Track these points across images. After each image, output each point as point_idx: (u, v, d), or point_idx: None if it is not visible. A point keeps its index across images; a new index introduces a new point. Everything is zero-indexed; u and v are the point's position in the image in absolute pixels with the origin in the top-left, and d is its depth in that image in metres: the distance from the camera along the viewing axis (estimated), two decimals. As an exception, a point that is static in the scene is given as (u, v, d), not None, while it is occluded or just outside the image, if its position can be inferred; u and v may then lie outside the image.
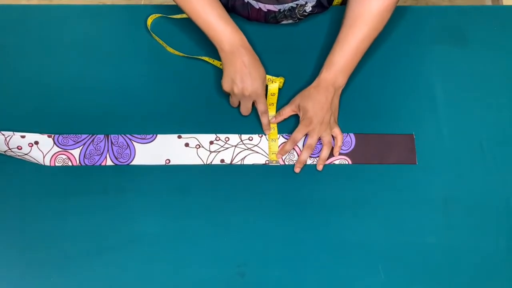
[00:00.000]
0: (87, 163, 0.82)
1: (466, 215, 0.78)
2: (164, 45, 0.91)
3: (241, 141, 0.84)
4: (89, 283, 0.73)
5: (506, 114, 0.86)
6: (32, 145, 0.82)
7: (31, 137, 0.82)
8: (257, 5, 0.90)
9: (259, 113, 0.84)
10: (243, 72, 0.81)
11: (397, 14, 0.94)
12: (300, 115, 0.83)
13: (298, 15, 0.91)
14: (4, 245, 0.76)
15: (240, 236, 0.77)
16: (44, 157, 0.82)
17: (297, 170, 0.81)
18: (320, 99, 0.81)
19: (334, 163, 0.82)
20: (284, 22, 0.93)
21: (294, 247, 0.76)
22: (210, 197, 0.79)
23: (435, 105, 0.87)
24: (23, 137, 0.82)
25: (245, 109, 0.85)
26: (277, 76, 0.87)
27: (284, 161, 0.82)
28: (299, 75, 0.88)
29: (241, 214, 0.78)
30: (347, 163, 0.82)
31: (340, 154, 0.83)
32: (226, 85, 0.83)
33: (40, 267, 0.74)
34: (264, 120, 0.84)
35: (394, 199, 0.79)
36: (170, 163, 0.82)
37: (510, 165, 0.82)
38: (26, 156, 0.81)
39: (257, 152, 0.83)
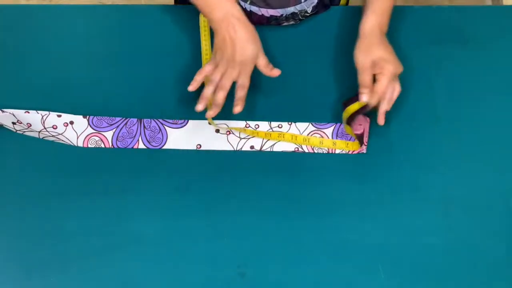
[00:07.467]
0: (119, 145, 0.83)
1: (466, 215, 0.78)
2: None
3: (271, 128, 0.84)
4: (89, 283, 0.73)
5: (506, 114, 0.86)
6: (67, 124, 0.83)
7: (66, 117, 0.83)
8: (259, 11, 0.91)
9: (238, 86, 0.77)
10: (233, 41, 0.75)
11: (397, 14, 0.94)
12: (377, 70, 0.76)
13: (300, 16, 0.92)
14: (4, 245, 0.76)
15: (240, 236, 0.76)
16: (77, 138, 0.82)
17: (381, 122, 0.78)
18: (387, 45, 0.79)
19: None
20: (285, 23, 0.93)
21: (294, 247, 0.76)
22: (210, 197, 0.79)
23: (435, 105, 0.87)
24: (59, 116, 0.83)
25: (227, 80, 0.75)
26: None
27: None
28: (300, 76, 0.88)
29: (241, 214, 0.78)
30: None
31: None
32: (212, 58, 0.77)
33: (40, 267, 0.74)
34: (240, 93, 0.77)
35: (394, 199, 0.79)
36: (201, 148, 0.83)
37: (510, 165, 0.82)
38: (60, 136, 0.82)
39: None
